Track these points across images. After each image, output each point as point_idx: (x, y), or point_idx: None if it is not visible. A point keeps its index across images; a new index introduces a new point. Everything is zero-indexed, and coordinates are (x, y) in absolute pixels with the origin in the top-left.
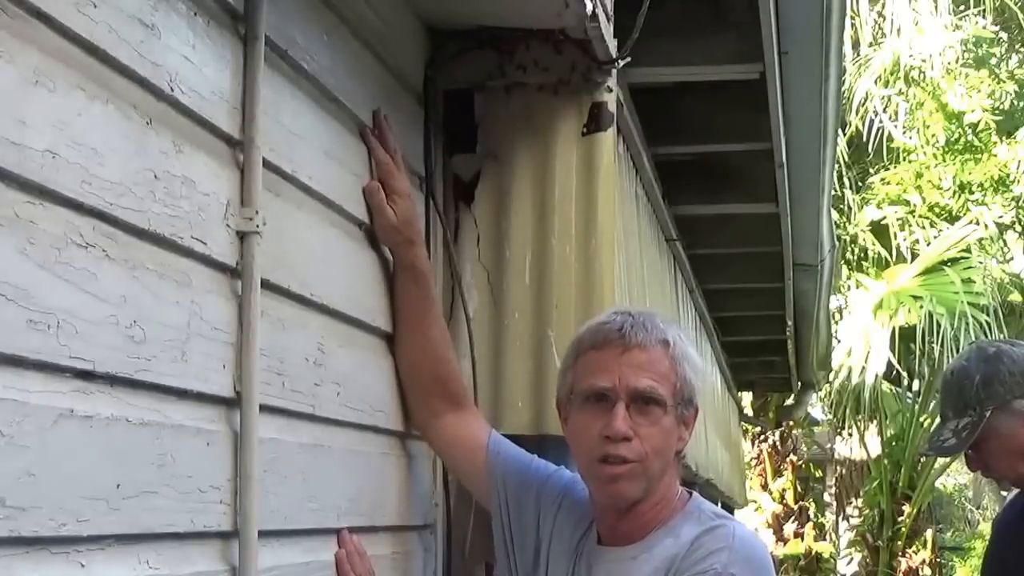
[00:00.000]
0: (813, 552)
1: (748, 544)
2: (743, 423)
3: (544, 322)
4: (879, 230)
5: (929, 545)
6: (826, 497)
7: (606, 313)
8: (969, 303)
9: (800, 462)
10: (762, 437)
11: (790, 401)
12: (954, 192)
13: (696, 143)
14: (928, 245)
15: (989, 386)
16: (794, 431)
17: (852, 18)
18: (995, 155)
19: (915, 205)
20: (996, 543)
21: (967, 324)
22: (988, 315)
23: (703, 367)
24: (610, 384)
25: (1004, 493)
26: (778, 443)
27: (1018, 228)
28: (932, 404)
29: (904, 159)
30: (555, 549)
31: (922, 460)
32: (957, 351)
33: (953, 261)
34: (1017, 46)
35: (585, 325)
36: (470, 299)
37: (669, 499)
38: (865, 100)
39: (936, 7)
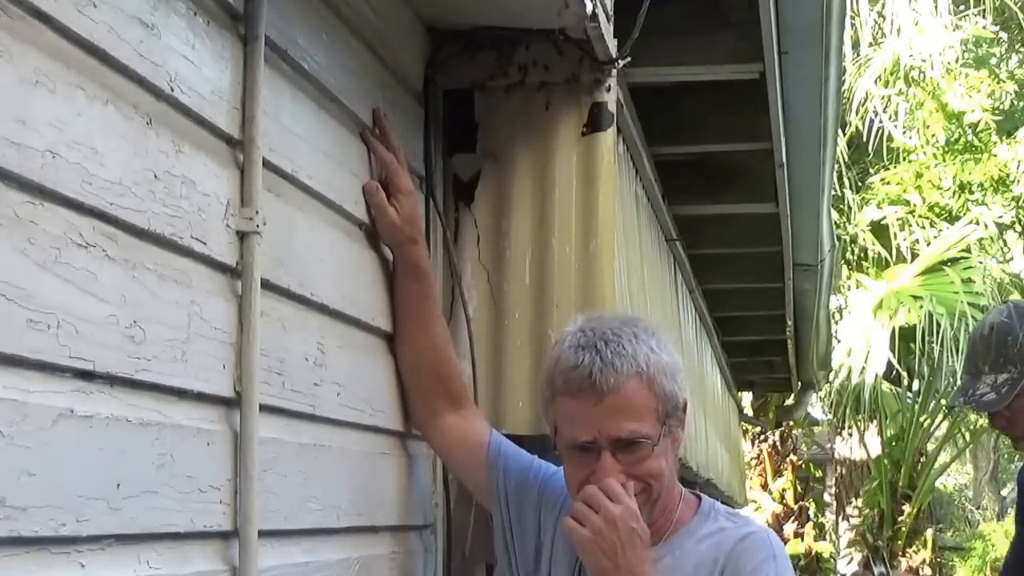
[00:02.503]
0: (813, 552)
1: (780, 545)
2: (743, 423)
3: (544, 322)
4: (879, 230)
5: (929, 545)
6: (826, 497)
7: (573, 344)
8: (969, 303)
9: (800, 462)
10: (762, 437)
11: (790, 401)
12: (954, 192)
13: (696, 143)
14: (928, 245)
15: None
16: (794, 431)
17: (852, 18)
18: (995, 155)
19: (915, 205)
20: (1020, 496)
21: (967, 324)
22: None
23: (680, 363)
24: (591, 437)
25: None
26: (778, 443)
27: (1018, 228)
28: (932, 404)
29: (904, 159)
30: (557, 550)
31: (922, 460)
32: (957, 351)
33: (953, 261)
34: (1017, 46)
35: (555, 356)
36: (470, 299)
37: (674, 503)
38: (865, 100)
39: (936, 7)
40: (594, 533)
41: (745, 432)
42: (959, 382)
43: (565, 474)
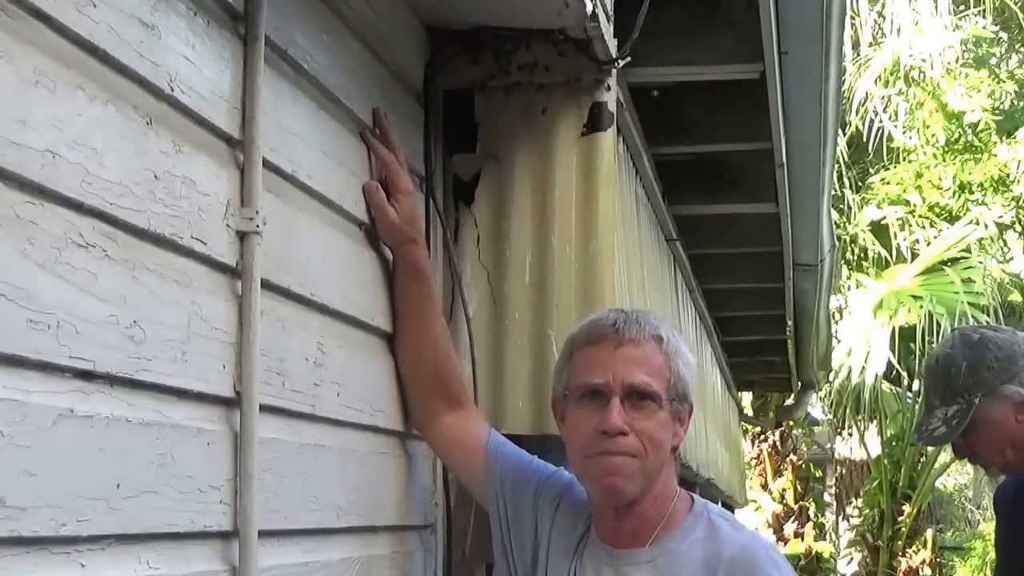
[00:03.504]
0: (813, 552)
1: (776, 549)
2: (743, 423)
3: (544, 322)
4: (879, 230)
5: (929, 545)
6: (826, 497)
7: (601, 311)
8: (969, 303)
9: (800, 462)
10: (762, 437)
11: (790, 401)
12: (954, 192)
13: (696, 143)
14: (928, 245)
15: (976, 373)
16: (794, 431)
17: (852, 18)
18: (995, 155)
19: (915, 205)
20: (998, 521)
21: (967, 324)
22: (988, 315)
23: (695, 364)
24: (604, 380)
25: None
26: (778, 443)
27: (1018, 228)
28: None
29: (904, 159)
30: (554, 550)
31: (922, 460)
32: None
33: (953, 261)
34: (1017, 46)
35: (579, 323)
36: (470, 299)
37: (668, 496)
38: (865, 100)
39: (936, 7)
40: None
41: (745, 432)
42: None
43: (572, 427)
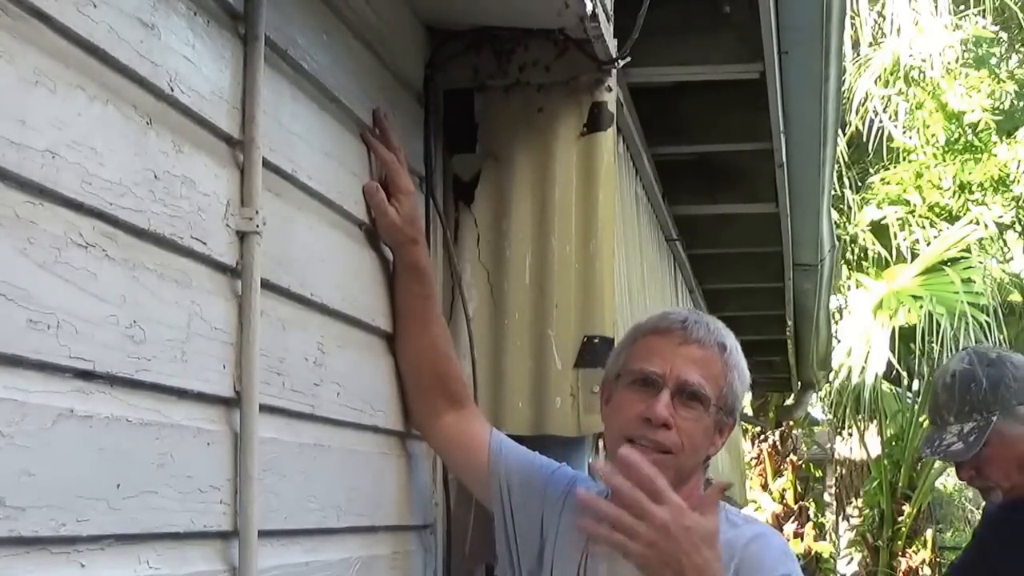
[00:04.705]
0: (813, 552)
1: (789, 545)
2: (743, 423)
3: (544, 322)
4: (879, 230)
5: (929, 545)
6: (826, 497)
7: (674, 309)
8: (969, 303)
9: (800, 462)
10: (762, 437)
11: (790, 401)
12: (954, 192)
13: (696, 143)
14: (928, 245)
15: (996, 390)
16: (794, 431)
17: (852, 18)
18: (995, 155)
19: (915, 205)
20: (985, 529)
21: (967, 324)
22: (988, 315)
23: (750, 383)
24: (661, 370)
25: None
26: (778, 443)
27: (1018, 228)
28: None
29: (904, 159)
30: (561, 546)
31: (922, 460)
32: (957, 351)
33: (953, 261)
34: (1017, 46)
35: (650, 314)
36: (470, 299)
37: (695, 496)
38: (865, 100)
39: (936, 7)
40: (649, 546)
41: (745, 432)
42: (924, 431)
43: (616, 408)
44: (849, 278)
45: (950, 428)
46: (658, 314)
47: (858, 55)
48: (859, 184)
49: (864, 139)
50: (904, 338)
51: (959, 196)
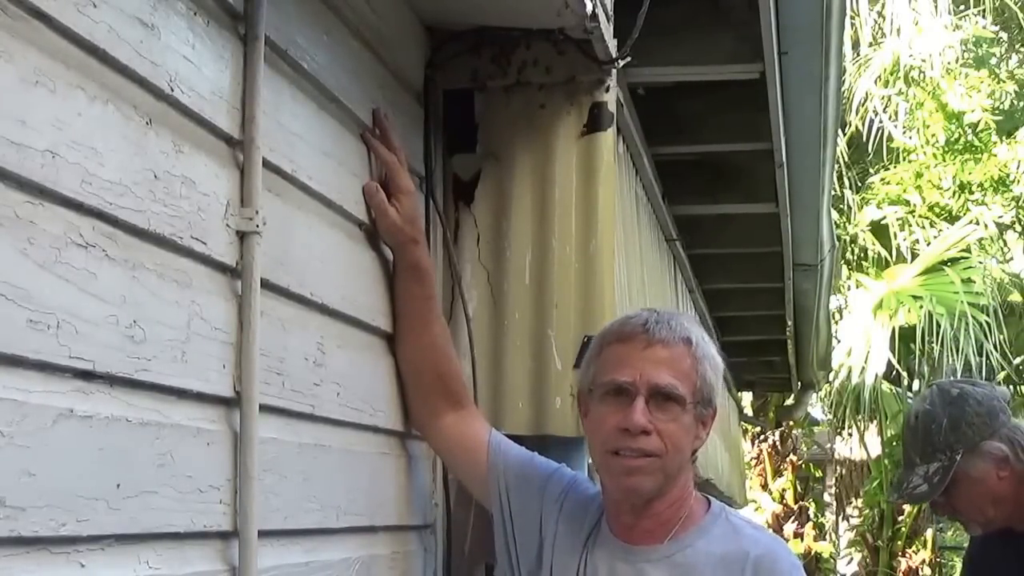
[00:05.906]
0: (813, 552)
1: (796, 558)
2: (743, 423)
3: (544, 322)
4: (879, 230)
5: (929, 545)
6: (826, 497)
7: (634, 311)
8: (969, 303)
9: (800, 462)
10: (762, 437)
11: (790, 401)
12: (954, 192)
13: (696, 143)
14: (928, 245)
15: (957, 429)
16: (794, 431)
17: (852, 18)
18: (995, 155)
19: (915, 205)
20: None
21: (967, 324)
22: (988, 315)
23: (723, 368)
24: (631, 379)
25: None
26: (778, 443)
27: (1018, 228)
28: None
29: (904, 159)
30: (560, 546)
31: None
32: (957, 351)
33: (953, 261)
34: (1017, 46)
35: (612, 320)
36: (470, 299)
37: (685, 499)
38: (865, 100)
39: (936, 7)
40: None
41: (745, 432)
42: (895, 474)
43: (595, 422)
44: (849, 278)
45: (916, 469)
46: (619, 320)
47: (858, 55)
48: (859, 184)
49: (864, 139)
50: (904, 338)
51: (959, 196)
